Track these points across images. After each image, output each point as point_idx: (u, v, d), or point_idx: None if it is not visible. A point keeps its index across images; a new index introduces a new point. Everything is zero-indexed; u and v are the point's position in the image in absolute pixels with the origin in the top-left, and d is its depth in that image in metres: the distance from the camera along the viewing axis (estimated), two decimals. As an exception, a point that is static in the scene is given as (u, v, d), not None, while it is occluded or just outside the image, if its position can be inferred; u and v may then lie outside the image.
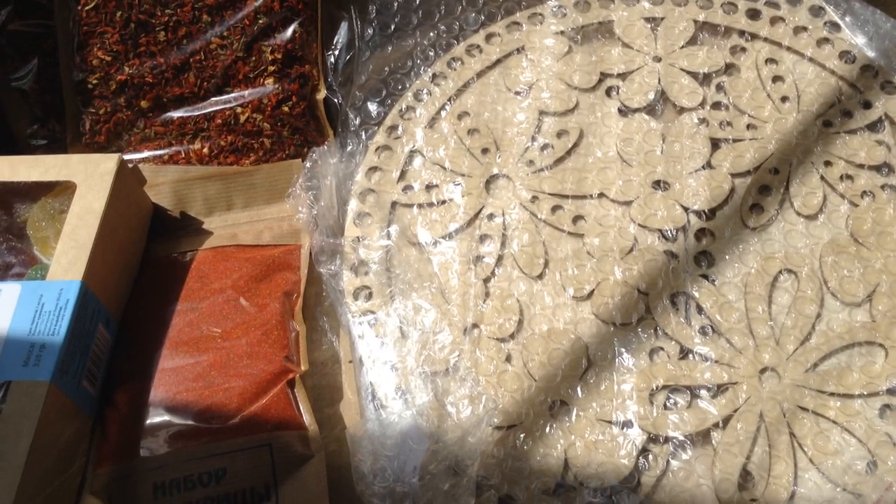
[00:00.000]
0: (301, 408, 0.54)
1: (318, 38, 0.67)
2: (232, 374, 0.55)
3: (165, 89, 0.65)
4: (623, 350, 0.55)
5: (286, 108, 0.65)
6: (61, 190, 0.59)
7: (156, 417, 0.53)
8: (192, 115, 0.65)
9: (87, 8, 0.64)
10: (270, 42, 0.65)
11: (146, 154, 0.65)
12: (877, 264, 0.58)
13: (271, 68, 0.65)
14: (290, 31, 0.65)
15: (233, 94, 0.65)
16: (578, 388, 0.54)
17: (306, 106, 0.65)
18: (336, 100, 0.67)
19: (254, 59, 0.65)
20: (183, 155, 0.65)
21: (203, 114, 0.65)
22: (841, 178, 0.62)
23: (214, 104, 0.65)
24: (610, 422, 0.53)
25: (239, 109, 0.65)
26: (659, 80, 0.66)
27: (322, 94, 0.66)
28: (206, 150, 0.65)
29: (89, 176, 0.57)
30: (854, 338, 0.55)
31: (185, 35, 0.65)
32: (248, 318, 0.58)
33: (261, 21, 0.64)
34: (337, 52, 0.68)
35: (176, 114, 0.65)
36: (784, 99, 0.65)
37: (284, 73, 0.65)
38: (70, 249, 0.54)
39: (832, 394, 0.53)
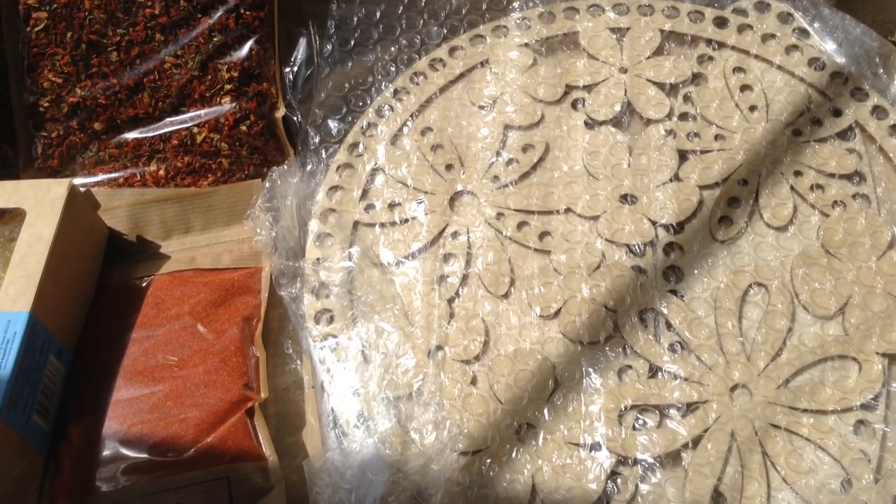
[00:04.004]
0: (260, 437, 0.53)
1: (275, 54, 0.66)
2: (188, 404, 0.53)
3: (119, 111, 0.63)
4: (591, 370, 0.54)
5: (244, 128, 0.63)
6: (11, 217, 0.57)
7: (110, 451, 0.52)
8: (148, 136, 0.63)
9: (36, 29, 0.62)
10: (226, 60, 0.63)
11: (101, 177, 0.63)
12: (849, 276, 0.57)
13: (228, 87, 0.63)
14: (246, 49, 0.64)
15: (189, 114, 0.64)
16: (546, 411, 0.52)
17: (265, 125, 0.64)
18: (296, 118, 0.65)
19: (209, 77, 0.63)
20: (139, 177, 0.63)
21: (158, 135, 0.63)
22: (811, 188, 0.61)
23: (170, 125, 0.64)
24: (578, 444, 0.51)
25: (195, 129, 0.63)
26: (625, 91, 0.65)
27: (281, 112, 0.65)
28: (162, 172, 0.63)
29: (39, 202, 0.55)
30: (826, 352, 0.54)
31: (138, 55, 0.63)
32: (206, 346, 0.56)
33: (216, 39, 0.63)
34: (295, 69, 0.67)
35: (130, 135, 0.64)
36: (752, 108, 0.64)
37: (242, 92, 0.64)
38: (18, 279, 0.52)
39: (805, 410, 0.52)
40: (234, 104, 0.63)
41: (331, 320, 0.57)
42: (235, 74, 0.63)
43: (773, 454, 0.51)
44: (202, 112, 0.63)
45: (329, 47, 0.68)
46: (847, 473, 0.50)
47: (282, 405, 0.57)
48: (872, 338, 0.54)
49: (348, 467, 0.49)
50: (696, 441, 0.51)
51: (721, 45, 0.67)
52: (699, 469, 0.50)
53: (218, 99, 0.63)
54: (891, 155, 0.62)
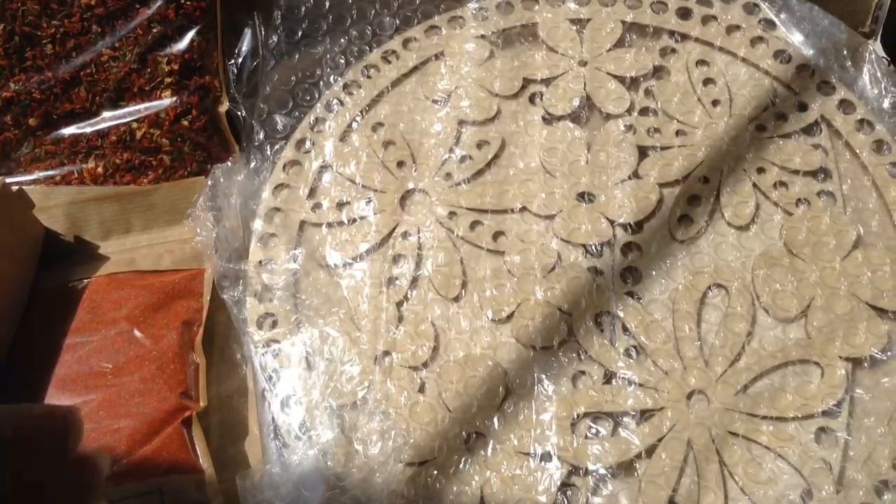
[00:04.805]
0: (197, 449, 0.50)
1: (218, 46, 0.63)
2: (121, 413, 0.51)
3: (55, 105, 0.60)
4: (543, 376, 0.51)
5: (186, 123, 0.60)
6: (-64, 218, 0.55)
7: (39, 463, 0.49)
8: (85, 132, 0.61)
9: (-35, 21, 0.59)
10: (166, 52, 0.60)
11: (37, 175, 0.61)
12: (812, 277, 0.55)
13: (168, 80, 0.60)
14: (187, 40, 0.61)
15: (127, 109, 0.61)
16: (496, 419, 0.50)
17: (208, 119, 0.61)
18: (240, 112, 0.62)
19: (149, 70, 0.60)
20: (76, 175, 0.61)
21: (96, 130, 0.61)
22: (774, 185, 0.59)
23: (108, 120, 0.61)
24: (528, 454, 0.49)
25: (135, 125, 0.60)
26: (584, 85, 0.63)
27: (224, 106, 0.62)
28: (100, 170, 0.60)
29: (-35, 202, 0.53)
30: (787, 356, 0.52)
31: (74, 47, 0.60)
32: (143, 352, 0.53)
33: (155, 30, 0.60)
34: (240, 61, 0.64)
35: (67, 131, 0.61)
36: (715, 103, 0.62)
37: (183, 85, 0.61)
38: (-59, 284, 0.50)
39: (764, 417, 0.50)
40: (174, 98, 0.60)
41: (274, 325, 0.54)
42: (176, 67, 0.60)
43: (731, 463, 0.49)
44: (142, 106, 0.61)
45: (275, 38, 0.65)
46: (807, 483, 0.48)
47: (226, 413, 0.54)
48: (836, 341, 0.52)
49: (286, 481, 0.47)
50: (651, 450, 0.49)
51: (684, 36, 0.65)
52: (653, 479, 0.48)
53: (158, 93, 0.61)
54: (857, 151, 0.60)
